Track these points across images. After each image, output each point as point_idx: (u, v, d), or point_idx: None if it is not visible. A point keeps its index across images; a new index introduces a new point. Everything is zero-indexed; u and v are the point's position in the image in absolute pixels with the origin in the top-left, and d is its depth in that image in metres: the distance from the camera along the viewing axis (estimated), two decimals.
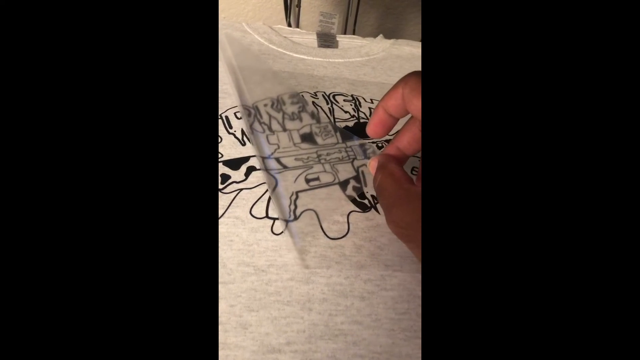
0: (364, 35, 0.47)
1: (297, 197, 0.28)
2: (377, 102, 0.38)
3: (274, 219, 0.27)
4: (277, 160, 0.31)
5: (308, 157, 0.32)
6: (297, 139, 0.33)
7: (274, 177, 0.29)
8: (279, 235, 0.26)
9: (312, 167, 0.31)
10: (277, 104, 0.35)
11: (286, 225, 0.26)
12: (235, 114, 0.33)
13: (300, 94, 0.37)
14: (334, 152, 0.32)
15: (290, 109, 0.35)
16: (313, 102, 0.36)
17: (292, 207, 0.28)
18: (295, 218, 0.27)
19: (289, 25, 0.63)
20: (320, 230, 0.27)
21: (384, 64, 0.43)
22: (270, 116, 0.34)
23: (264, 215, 0.27)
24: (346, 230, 0.27)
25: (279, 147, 0.32)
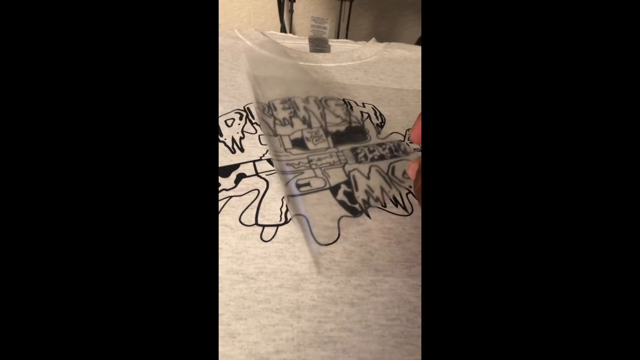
0: (358, 39, 0.47)
1: (288, 201, 0.28)
2: (369, 105, 0.38)
3: (263, 226, 0.26)
4: (269, 161, 0.31)
5: (299, 163, 0.31)
6: (288, 144, 0.33)
7: (265, 180, 0.29)
8: (268, 242, 0.26)
9: (302, 173, 0.31)
10: (268, 109, 0.35)
11: (276, 231, 0.26)
12: (225, 121, 0.33)
13: (292, 100, 0.37)
14: (325, 157, 0.32)
15: (281, 114, 0.35)
16: (304, 107, 0.36)
17: (284, 209, 0.28)
18: (286, 221, 0.27)
19: (283, 30, 0.63)
20: (311, 235, 0.26)
21: (375, 67, 0.43)
22: (262, 119, 0.34)
23: (254, 222, 0.27)
24: (336, 236, 0.27)
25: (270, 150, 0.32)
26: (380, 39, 0.46)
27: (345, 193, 0.29)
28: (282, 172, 0.30)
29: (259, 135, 0.32)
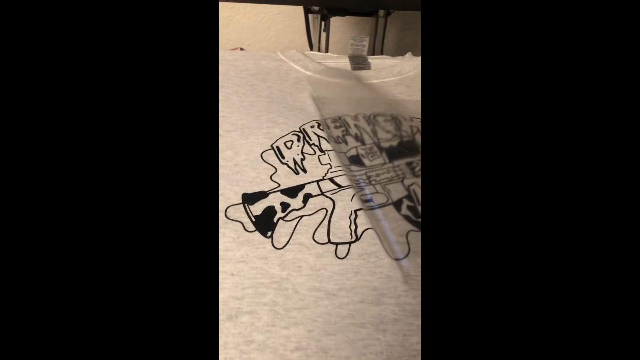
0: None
1: (356, 216, 0.29)
2: (417, 119, 0.39)
3: (336, 244, 0.28)
4: (331, 180, 0.32)
5: (359, 180, 0.33)
6: (346, 161, 0.34)
7: (331, 199, 0.30)
8: (344, 259, 0.27)
9: (364, 189, 0.32)
10: (323, 126, 0.37)
11: (349, 249, 0.27)
12: (285, 144, 0.34)
13: (342, 118, 0.38)
14: (383, 173, 0.33)
15: (335, 132, 0.36)
16: (355, 125, 0.37)
17: (353, 226, 0.29)
18: (357, 238, 0.28)
19: (311, 47, 0.65)
20: (383, 250, 0.27)
21: (417, 81, 0.44)
22: (318, 137, 0.35)
23: (327, 240, 0.28)
24: (407, 250, 0.28)
25: (331, 167, 0.33)
26: (405, 50, 0.48)
27: (408, 208, 0.30)
28: (354, 186, 0.31)
29: (318, 156, 0.34)
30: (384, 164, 0.34)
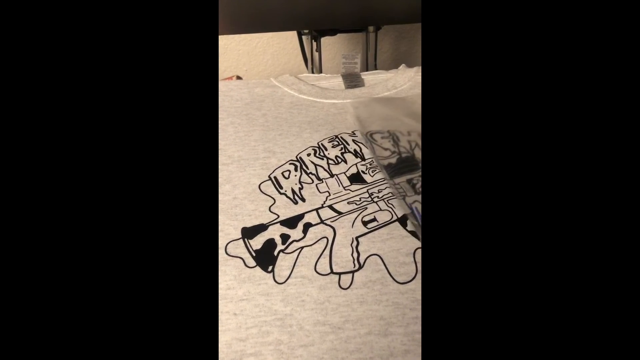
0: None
1: (357, 243, 0.29)
2: (415, 133, 0.39)
3: (339, 274, 0.27)
4: (331, 207, 0.31)
5: (360, 199, 0.32)
6: (346, 182, 0.33)
7: (331, 227, 0.30)
8: (348, 290, 0.26)
9: (366, 208, 0.31)
10: (319, 150, 0.36)
11: (352, 278, 0.26)
12: (282, 174, 0.34)
13: (339, 136, 0.37)
14: (385, 188, 0.32)
15: (332, 153, 0.36)
16: (354, 141, 0.37)
17: (355, 254, 0.28)
18: (360, 266, 0.27)
19: (307, 66, 0.65)
20: (388, 275, 0.26)
21: (412, 93, 0.43)
22: (315, 165, 0.35)
23: (329, 271, 0.27)
24: (414, 271, 0.27)
25: (329, 194, 0.32)
26: (401, 59, 0.47)
27: (414, 224, 0.29)
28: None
29: (316, 184, 0.33)
30: (386, 179, 0.33)
